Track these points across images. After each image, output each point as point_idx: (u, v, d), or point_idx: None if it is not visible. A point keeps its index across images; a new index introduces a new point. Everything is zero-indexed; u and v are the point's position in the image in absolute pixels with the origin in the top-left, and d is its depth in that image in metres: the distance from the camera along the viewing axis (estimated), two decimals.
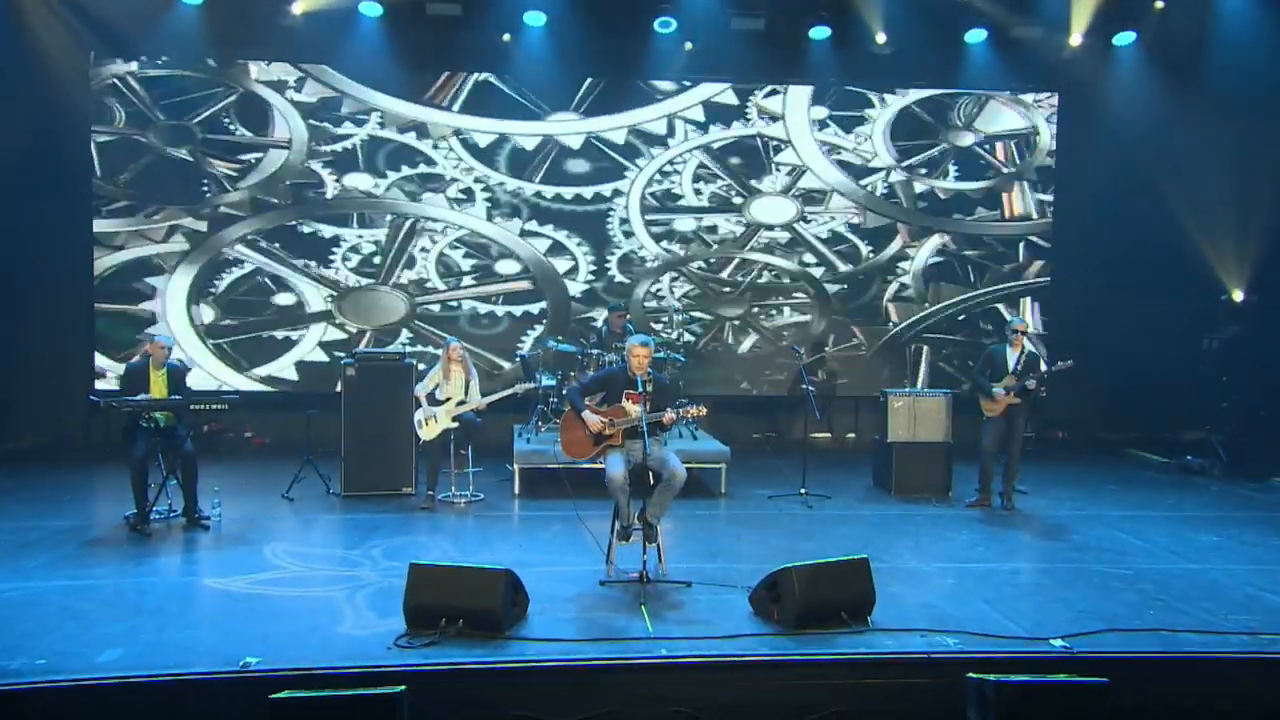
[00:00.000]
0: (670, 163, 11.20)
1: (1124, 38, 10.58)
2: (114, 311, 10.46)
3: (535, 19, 10.02)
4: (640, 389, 5.70)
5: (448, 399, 7.57)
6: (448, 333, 9.81)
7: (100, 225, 10.35)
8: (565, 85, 10.88)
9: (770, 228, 11.40)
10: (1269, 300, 9.98)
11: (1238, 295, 10.24)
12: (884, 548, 6.46)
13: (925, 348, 11.64)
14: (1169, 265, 10.61)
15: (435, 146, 10.89)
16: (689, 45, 10.53)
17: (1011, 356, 7.78)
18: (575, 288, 11.11)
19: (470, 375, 7.67)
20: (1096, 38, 10.47)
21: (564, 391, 8.84)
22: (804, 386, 8.12)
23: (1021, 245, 11.63)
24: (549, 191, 11.02)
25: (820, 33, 10.46)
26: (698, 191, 11.27)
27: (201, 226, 10.58)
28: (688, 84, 11.11)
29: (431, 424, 7.52)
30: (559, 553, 6.34)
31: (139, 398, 6.64)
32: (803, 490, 8.09)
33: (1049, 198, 11.59)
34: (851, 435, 11.51)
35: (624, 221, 11.16)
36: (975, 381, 8.01)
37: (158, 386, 6.77)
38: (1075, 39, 10.43)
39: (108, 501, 7.49)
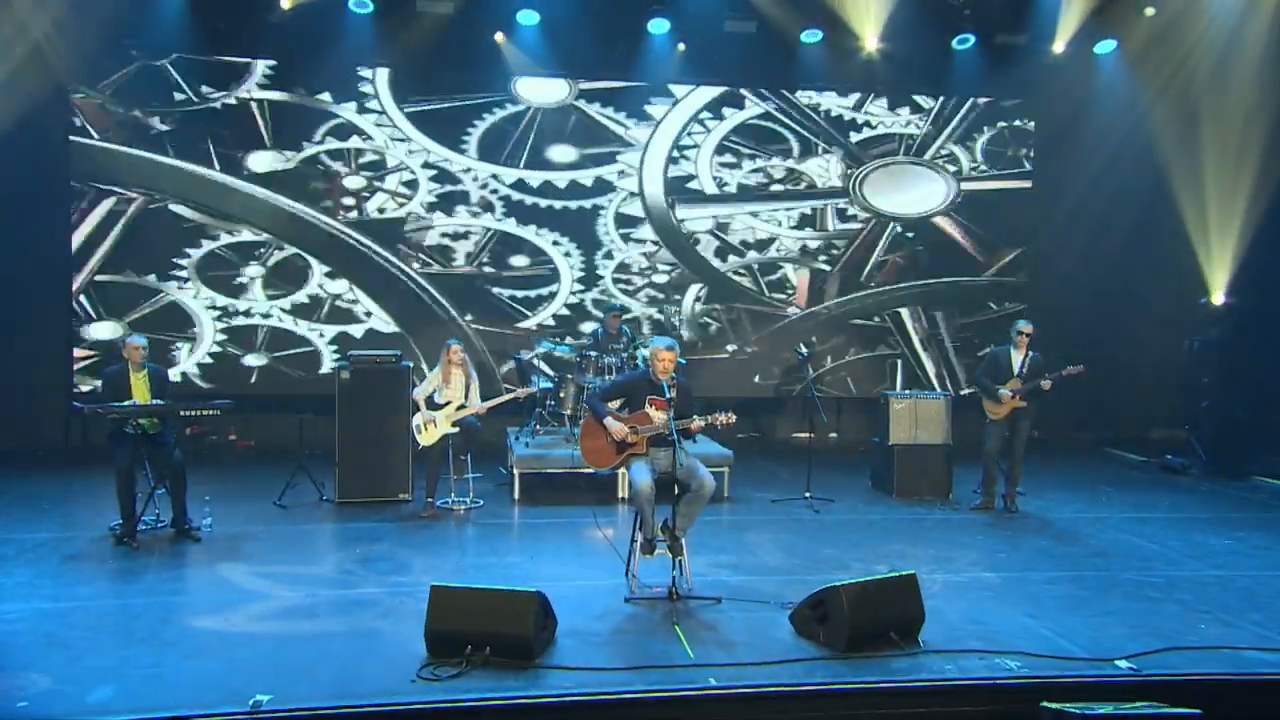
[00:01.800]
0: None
1: (1105, 45, 10.65)
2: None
3: (529, 18, 9.72)
4: (666, 395, 5.44)
5: (447, 403, 7.23)
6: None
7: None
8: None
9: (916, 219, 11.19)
10: (1248, 303, 10.10)
11: (1218, 298, 10.35)
12: (903, 555, 6.32)
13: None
14: (1146, 268, 10.68)
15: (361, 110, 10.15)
16: (681, 46, 10.35)
17: (1016, 358, 7.69)
18: (560, 298, 10.68)
19: (471, 378, 7.33)
20: (1080, 45, 10.53)
21: (561, 394, 8.56)
22: (812, 394, 7.96)
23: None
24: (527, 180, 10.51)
25: (812, 36, 10.33)
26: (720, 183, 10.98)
27: None
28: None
29: (430, 428, 7.17)
30: (570, 564, 6.08)
31: (124, 404, 6.21)
32: (807, 494, 7.92)
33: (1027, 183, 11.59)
34: (834, 435, 11.39)
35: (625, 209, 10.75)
36: (979, 384, 7.90)
37: (139, 390, 6.33)
38: (1059, 46, 10.46)
39: (90, 511, 6.95)
